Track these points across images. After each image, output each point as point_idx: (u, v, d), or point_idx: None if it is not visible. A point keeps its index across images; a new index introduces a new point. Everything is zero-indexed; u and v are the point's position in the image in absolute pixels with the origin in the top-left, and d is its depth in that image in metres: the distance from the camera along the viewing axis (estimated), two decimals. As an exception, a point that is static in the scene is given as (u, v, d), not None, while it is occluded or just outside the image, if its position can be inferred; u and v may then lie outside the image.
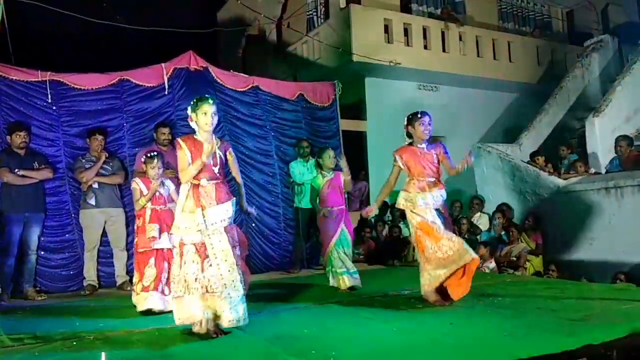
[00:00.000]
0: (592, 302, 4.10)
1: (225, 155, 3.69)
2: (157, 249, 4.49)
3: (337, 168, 5.42)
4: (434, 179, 4.32)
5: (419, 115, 4.34)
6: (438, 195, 4.29)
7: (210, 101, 3.58)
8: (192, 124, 3.63)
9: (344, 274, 5.16)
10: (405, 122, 4.42)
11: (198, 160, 3.47)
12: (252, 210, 3.88)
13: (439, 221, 4.24)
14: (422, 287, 4.24)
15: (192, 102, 3.63)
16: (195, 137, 3.62)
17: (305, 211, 6.84)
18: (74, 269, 6.01)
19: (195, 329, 3.43)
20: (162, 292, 4.40)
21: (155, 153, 4.69)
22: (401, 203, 4.34)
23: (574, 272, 6.69)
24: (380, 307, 4.23)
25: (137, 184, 4.67)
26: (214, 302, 3.41)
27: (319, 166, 5.44)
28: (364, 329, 3.58)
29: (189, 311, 3.42)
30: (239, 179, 3.87)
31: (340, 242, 5.23)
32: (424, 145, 4.37)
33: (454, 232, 4.45)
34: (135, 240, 4.63)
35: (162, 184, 4.68)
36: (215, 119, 3.61)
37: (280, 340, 3.25)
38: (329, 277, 5.34)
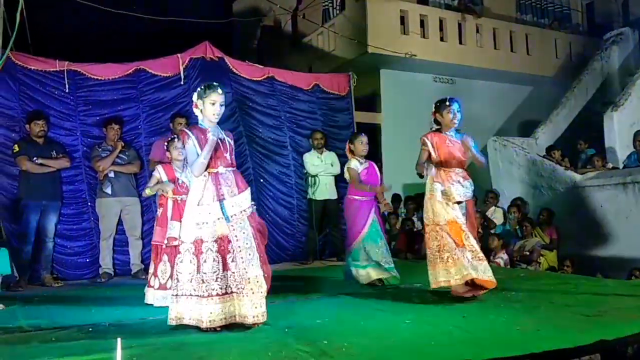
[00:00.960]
0: (606, 298, 4.06)
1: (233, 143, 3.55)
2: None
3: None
4: (462, 169, 4.20)
5: (448, 103, 4.20)
6: (468, 187, 4.18)
7: (220, 90, 3.43)
8: (197, 111, 3.48)
9: (366, 267, 4.90)
10: (433, 109, 4.30)
11: (207, 146, 3.27)
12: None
13: (463, 219, 4.13)
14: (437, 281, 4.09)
15: (200, 89, 3.46)
16: (200, 126, 3.47)
17: (318, 203, 6.85)
18: (90, 257, 6.10)
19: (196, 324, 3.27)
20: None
21: (176, 135, 4.65)
22: (435, 195, 4.11)
23: (590, 268, 6.62)
24: (393, 299, 4.24)
25: (158, 172, 4.53)
26: (233, 301, 3.26)
27: (351, 152, 5.21)
28: (376, 320, 3.58)
29: (195, 312, 3.23)
30: None
31: (370, 235, 4.95)
32: (452, 134, 4.24)
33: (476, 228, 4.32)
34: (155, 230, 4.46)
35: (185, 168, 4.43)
36: (222, 109, 3.47)
37: (292, 330, 3.27)
38: (348, 270, 5.06)
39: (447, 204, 4.10)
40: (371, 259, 4.91)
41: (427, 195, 4.23)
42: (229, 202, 3.32)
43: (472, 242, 4.09)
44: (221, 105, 3.45)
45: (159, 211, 4.51)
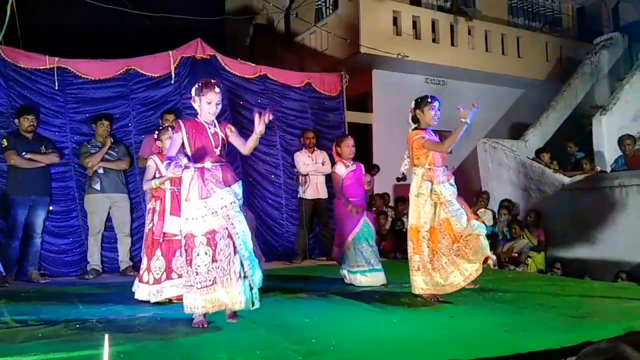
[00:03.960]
0: (592, 300, 4.09)
1: (226, 135, 3.58)
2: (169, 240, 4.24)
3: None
4: (446, 167, 4.14)
5: (429, 100, 4.14)
6: (454, 185, 4.12)
7: (217, 89, 3.47)
8: (195, 106, 3.53)
9: (358, 272, 4.93)
10: (413, 106, 4.22)
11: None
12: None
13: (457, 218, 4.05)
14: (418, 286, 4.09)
15: (197, 85, 3.49)
16: (197, 120, 3.52)
17: (309, 202, 6.86)
18: (78, 255, 6.06)
19: (196, 320, 3.35)
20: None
21: (167, 125, 4.69)
22: (425, 194, 4.04)
23: (578, 270, 6.69)
24: (381, 299, 4.24)
25: (154, 162, 4.42)
26: (228, 289, 3.30)
27: (338, 154, 5.19)
28: (364, 319, 3.59)
29: (198, 302, 3.29)
30: (246, 149, 3.66)
31: (362, 235, 4.98)
32: (431, 132, 4.18)
33: None
34: (151, 226, 4.31)
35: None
36: (219, 107, 3.52)
37: (281, 329, 3.27)
38: (343, 274, 5.07)
39: (436, 203, 4.06)
40: (359, 263, 4.92)
41: (414, 193, 4.13)
42: (217, 194, 3.34)
43: (446, 245, 4.02)
44: (217, 104, 3.50)
45: (156, 204, 4.35)
